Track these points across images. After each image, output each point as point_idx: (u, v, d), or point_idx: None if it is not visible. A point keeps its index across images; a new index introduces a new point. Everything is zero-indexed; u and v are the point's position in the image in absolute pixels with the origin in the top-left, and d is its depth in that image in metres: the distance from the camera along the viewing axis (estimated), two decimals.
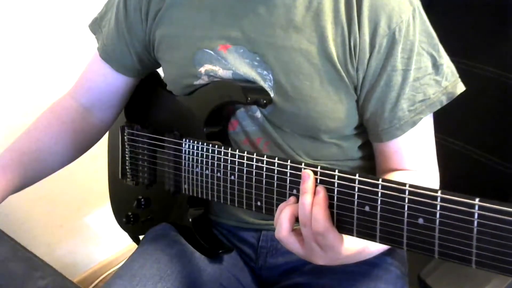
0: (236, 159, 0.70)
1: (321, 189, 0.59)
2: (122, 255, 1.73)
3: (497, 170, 0.92)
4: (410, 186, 0.53)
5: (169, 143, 0.83)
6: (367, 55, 0.70)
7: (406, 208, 0.53)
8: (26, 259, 0.86)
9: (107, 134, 1.02)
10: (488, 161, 0.94)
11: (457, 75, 0.74)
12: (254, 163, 0.68)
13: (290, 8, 0.72)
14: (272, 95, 0.75)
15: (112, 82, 0.91)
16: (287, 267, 0.86)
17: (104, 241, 1.70)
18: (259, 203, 0.68)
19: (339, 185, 0.58)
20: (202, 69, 0.79)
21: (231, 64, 0.76)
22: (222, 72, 0.77)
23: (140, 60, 0.88)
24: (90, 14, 0.94)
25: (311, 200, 0.59)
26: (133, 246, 0.97)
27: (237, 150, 0.70)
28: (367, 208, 0.56)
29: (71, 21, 1.35)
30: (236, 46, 0.76)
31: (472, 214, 0.48)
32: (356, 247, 0.64)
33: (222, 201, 0.74)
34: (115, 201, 1.07)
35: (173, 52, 0.82)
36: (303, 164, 0.62)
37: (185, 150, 0.80)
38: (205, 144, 0.76)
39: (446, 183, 0.73)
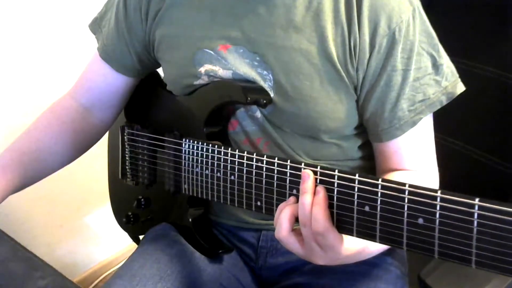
0: (236, 159, 0.70)
1: (321, 189, 0.59)
2: (122, 255, 1.73)
3: (497, 170, 0.92)
4: (410, 186, 0.53)
5: (169, 143, 0.83)
6: (367, 55, 0.70)
7: (406, 208, 0.53)
8: (26, 259, 0.86)
9: (107, 134, 1.02)
10: (488, 161, 0.94)
11: (457, 75, 0.74)
12: (254, 163, 0.68)
13: (290, 8, 0.72)
14: (272, 95, 0.75)
15: (112, 82, 0.91)
16: (287, 267, 0.86)
17: (104, 241, 1.70)
18: (259, 203, 0.68)
19: (339, 185, 0.58)
20: (202, 69, 0.79)
21: (231, 64, 0.76)
22: (222, 72, 0.77)
23: (140, 60, 0.88)
24: (90, 14, 0.94)
25: (311, 200, 0.59)
26: (133, 246, 0.97)
27: (237, 150, 0.70)
28: (367, 208, 0.56)
29: (71, 21, 1.35)
30: (236, 46, 0.76)
31: (472, 214, 0.48)
32: (356, 247, 0.64)
33: (222, 201, 0.74)
34: (115, 201, 1.07)
35: (173, 52, 0.82)
36: (303, 164, 0.62)
37: (185, 150, 0.80)
38: (205, 144, 0.76)
39: (446, 183, 0.73)
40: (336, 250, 0.60)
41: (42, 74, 1.35)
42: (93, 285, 1.66)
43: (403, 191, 0.53)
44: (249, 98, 0.73)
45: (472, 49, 0.95)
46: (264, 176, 0.66)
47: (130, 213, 0.97)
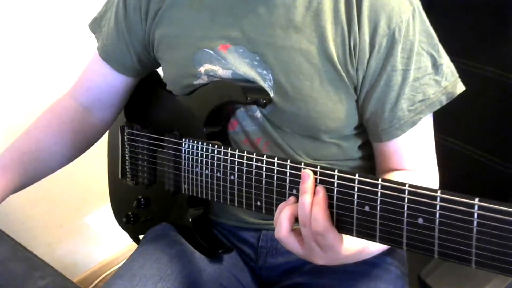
0: (236, 159, 0.70)
1: (320, 189, 0.59)
2: (122, 255, 1.73)
3: (497, 170, 0.92)
4: (410, 186, 0.53)
5: (169, 143, 0.83)
6: (367, 55, 0.70)
7: (405, 208, 0.53)
8: (26, 259, 0.86)
9: (107, 134, 1.02)
10: (488, 161, 0.94)
11: (457, 75, 0.74)
12: (253, 163, 0.68)
13: (290, 8, 0.72)
14: (271, 95, 0.75)
15: (112, 82, 0.91)
16: (287, 267, 0.86)
17: (104, 241, 1.70)
18: (258, 203, 0.68)
19: (339, 185, 0.58)
20: (202, 69, 0.79)
21: (231, 64, 0.76)
22: (221, 72, 0.77)
23: (140, 60, 0.88)
24: (90, 14, 0.94)
25: (311, 200, 0.59)
26: (133, 246, 0.97)
27: (237, 150, 0.70)
28: (366, 208, 0.56)
29: (71, 21, 1.35)
30: (236, 46, 0.76)
31: (472, 214, 0.48)
32: (355, 247, 0.64)
33: (222, 201, 0.74)
34: (115, 201, 1.07)
35: (173, 51, 0.82)
36: (302, 164, 0.62)
37: (185, 150, 0.80)
38: (205, 144, 0.76)
39: (446, 183, 0.73)
40: (336, 250, 0.60)
41: (42, 74, 1.35)
42: (93, 285, 1.66)
43: (403, 191, 0.53)
44: (249, 98, 0.73)
45: (472, 49, 0.95)
46: (264, 176, 0.66)
47: (130, 213, 0.97)
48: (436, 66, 0.72)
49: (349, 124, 0.77)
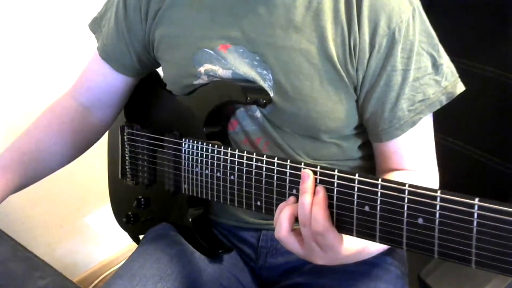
0: (236, 159, 0.70)
1: (320, 189, 0.59)
2: (122, 255, 1.73)
3: (497, 170, 0.92)
4: (410, 186, 0.53)
5: (169, 143, 0.83)
6: (367, 55, 0.70)
7: (405, 208, 0.53)
8: (26, 259, 0.86)
9: (107, 134, 1.02)
10: (488, 161, 0.94)
11: (457, 75, 0.74)
12: (253, 163, 0.68)
13: (290, 8, 0.72)
14: (271, 95, 0.75)
15: (111, 82, 0.91)
16: (287, 267, 0.86)
17: (104, 241, 1.70)
18: (258, 203, 0.68)
19: (339, 185, 0.58)
20: (202, 69, 0.79)
21: (231, 63, 0.76)
22: (221, 72, 0.77)
23: (140, 59, 0.88)
24: (90, 14, 0.94)
25: (311, 200, 0.59)
26: (133, 246, 0.97)
27: (237, 150, 0.70)
28: (366, 208, 0.56)
29: (71, 21, 1.35)
30: (236, 46, 0.76)
31: (472, 214, 0.48)
32: (355, 247, 0.64)
33: (222, 201, 0.74)
34: (115, 201, 1.07)
35: (173, 51, 0.82)
36: (302, 164, 0.62)
37: (185, 150, 0.80)
38: (204, 144, 0.76)
39: (446, 183, 0.73)
40: (336, 250, 0.60)
41: (42, 74, 1.35)
42: (93, 285, 1.66)
43: (403, 191, 0.53)
44: (248, 98, 0.73)
45: (472, 49, 0.95)
46: (264, 176, 0.66)
47: (130, 213, 0.97)
48: (436, 66, 0.72)
49: (349, 124, 0.77)
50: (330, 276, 0.81)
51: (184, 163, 0.80)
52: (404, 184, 0.53)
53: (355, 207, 0.57)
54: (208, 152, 0.75)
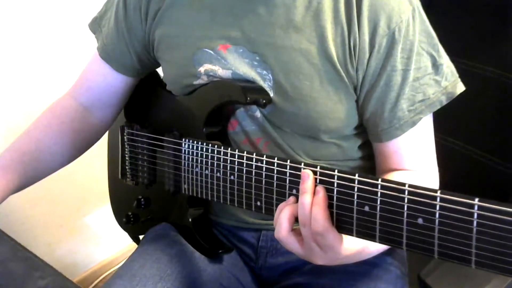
0: (236, 159, 0.70)
1: (320, 189, 0.59)
2: (122, 255, 1.73)
3: (497, 170, 0.92)
4: (410, 186, 0.53)
5: (169, 143, 0.83)
6: (367, 55, 0.70)
7: (405, 208, 0.53)
8: (26, 259, 0.86)
9: (107, 134, 1.02)
10: (488, 161, 0.94)
11: (457, 75, 0.74)
12: (253, 163, 0.68)
13: (290, 8, 0.72)
14: (271, 95, 0.75)
15: (111, 82, 0.91)
16: (287, 267, 0.86)
17: (104, 241, 1.70)
18: (258, 203, 0.68)
19: (339, 185, 0.58)
20: (202, 69, 0.79)
21: (231, 64, 0.76)
22: (221, 72, 0.77)
23: (140, 59, 0.88)
24: (90, 14, 0.94)
25: (311, 200, 0.59)
26: (133, 246, 0.97)
27: (237, 150, 0.70)
28: (366, 208, 0.56)
29: (71, 21, 1.35)
30: (236, 46, 0.76)
31: (472, 214, 0.48)
32: (355, 247, 0.64)
33: (221, 201, 0.74)
34: (115, 201, 1.07)
35: (172, 51, 0.82)
36: (302, 164, 0.62)
37: (184, 150, 0.80)
38: (204, 144, 0.76)
39: (446, 183, 0.73)
40: (336, 250, 0.60)
41: (42, 74, 1.35)
42: (93, 285, 1.67)
43: (402, 191, 0.53)
44: (248, 98, 0.73)
45: (472, 49, 0.95)
46: (263, 176, 0.66)
47: (130, 213, 0.97)
48: (436, 66, 0.72)
49: (349, 124, 0.77)
50: (330, 276, 0.81)
51: (184, 163, 0.80)
52: (404, 184, 0.53)
53: (355, 207, 0.57)
54: (208, 152, 0.75)
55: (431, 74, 0.72)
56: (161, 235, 0.88)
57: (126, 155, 0.93)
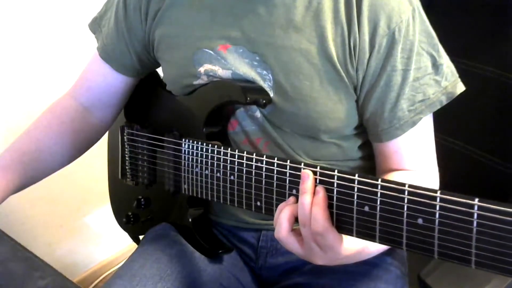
0: (236, 159, 0.70)
1: (320, 189, 0.59)
2: (122, 255, 1.73)
3: (497, 170, 0.92)
4: (410, 186, 0.53)
5: (169, 143, 0.83)
6: (367, 55, 0.70)
7: (405, 208, 0.53)
8: (26, 259, 0.86)
9: (107, 134, 1.02)
10: (488, 161, 0.94)
11: (457, 75, 0.74)
12: (253, 163, 0.68)
13: (289, 8, 0.72)
14: (271, 95, 0.75)
15: (111, 82, 0.91)
16: (287, 267, 0.86)
17: (104, 241, 1.70)
18: (258, 203, 0.68)
19: (339, 185, 0.58)
20: (202, 69, 0.79)
21: (231, 64, 0.76)
22: (221, 72, 0.77)
23: (140, 59, 0.88)
24: (90, 14, 0.94)
25: (311, 200, 0.59)
26: (133, 246, 0.97)
27: (237, 150, 0.70)
28: (366, 208, 0.56)
29: (71, 21, 1.35)
30: (236, 46, 0.76)
31: (472, 214, 0.48)
32: (355, 247, 0.64)
33: (221, 201, 0.74)
34: (115, 201, 1.07)
35: (172, 52, 0.82)
36: (302, 164, 0.62)
37: (184, 150, 0.80)
38: (204, 144, 0.76)
39: (446, 183, 0.73)
40: (336, 250, 0.60)
41: (42, 74, 1.35)
42: (93, 285, 1.67)
43: (402, 191, 0.53)
44: (248, 98, 0.73)
45: (472, 49, 0.95)
46: (263, 176, 0.66)
47: (130, 213, 0.97)
48: (436, 66, 0.72)
49: (349, 124, 0.77)
50: (330, 276, 0.81)
51: (184, 163, 0.80)
52: (403, 184, 0.53)
53: (355, 207, 0.57)
54: (208, 152, 0.75)
55: (431, 74, 0.72)
56: (161, 235, 0.88)
57: (126, 155, 0.93)
